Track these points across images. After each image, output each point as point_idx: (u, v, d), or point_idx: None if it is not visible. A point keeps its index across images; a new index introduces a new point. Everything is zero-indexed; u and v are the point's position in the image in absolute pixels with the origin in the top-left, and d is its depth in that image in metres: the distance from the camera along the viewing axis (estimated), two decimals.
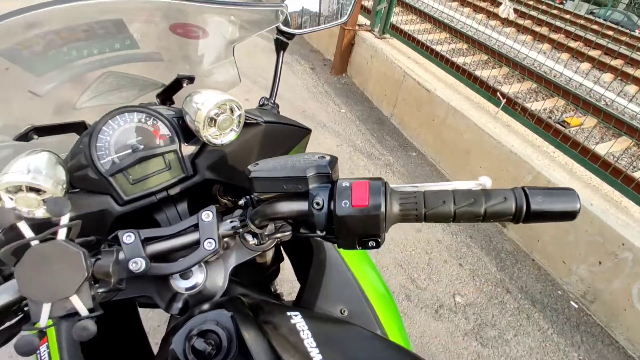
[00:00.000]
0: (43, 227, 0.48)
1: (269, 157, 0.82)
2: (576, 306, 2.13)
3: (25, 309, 0.51)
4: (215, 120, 0.65)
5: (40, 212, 0.61)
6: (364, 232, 0.48)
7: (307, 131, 0.82)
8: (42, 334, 0.43)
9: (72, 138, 0.75)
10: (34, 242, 0.45)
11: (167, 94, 0.76)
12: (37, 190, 0.57)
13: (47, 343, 0.71)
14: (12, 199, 0.57)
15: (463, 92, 2.97)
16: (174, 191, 0.73)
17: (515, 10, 4.65)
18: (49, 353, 0.72)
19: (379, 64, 3.55)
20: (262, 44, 4.14)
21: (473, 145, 2.69)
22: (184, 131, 0.72)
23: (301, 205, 0.50)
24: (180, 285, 0.62)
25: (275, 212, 0.53)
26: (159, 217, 0.75)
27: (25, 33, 0.52)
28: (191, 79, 0.73)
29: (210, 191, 0.91)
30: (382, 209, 0.46)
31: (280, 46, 0.87)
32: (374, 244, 0.48)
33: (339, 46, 3.84)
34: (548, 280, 2.25)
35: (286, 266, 1.00)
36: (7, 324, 0.50)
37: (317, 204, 0.48)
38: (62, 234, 0.47)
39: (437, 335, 1.90)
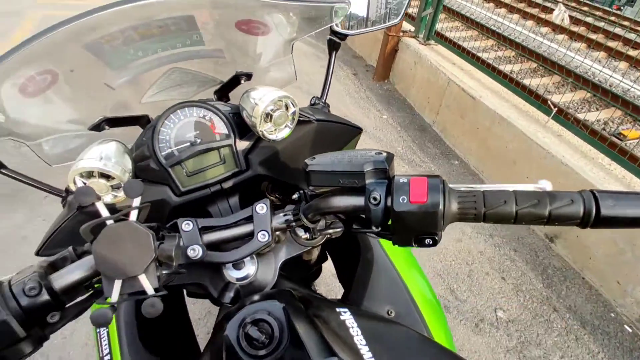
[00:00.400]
0: (111, 212, 0.51)
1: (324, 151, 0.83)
2: (630, 330, 1.98)
3: (96, 285, 0.54)
4: (271, 116, 0.67)
5: (109, 198, 0.65)
6: (421, 229, 0.47)
7: (358, 130, 0.82)
8: (113, 308, 0.46)
9: (136, 130, 0.80)
10: (109, 222, 0.48)
11: (224, 91, 0.79)
12: (107, 177, 0.61)
13: (107, 331, 0.75)
14: (84, 184, 0.62)
15: (510, 100, 2.87)
16: (227, 185, 0.76)
17: (570, 17, 4.44)
18: (107, 332, 0.77)
19: (422, 71, 3.51)
20: (304, 49, 4.20)
21: (520, 155, 2.59)
22: (239, 127, 0.74)
23: (357, 200, 0.51)
24: (232, 275, 0.64)
25: (330, 206, 0.53)
26: (212, 210, 0.78)
27: (108, 28, 0.56)
28: (249, 76, 0.75)
29: (260, 187, 0.93)
30: (441, 206, 0.46)
31: (333, 47, 0.88)
32: (431, 242, 0.48)
33: (382, 52, 3.83)
34: (600, 301, 2.11)
35: (325, 269, 1.00)
36: (79, 298, 0.53)
37: (374, 199, 0.48)
38: (133, 215, 0.49)
39: (477, 350, 1.83)
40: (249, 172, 0.76)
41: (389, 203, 0.48)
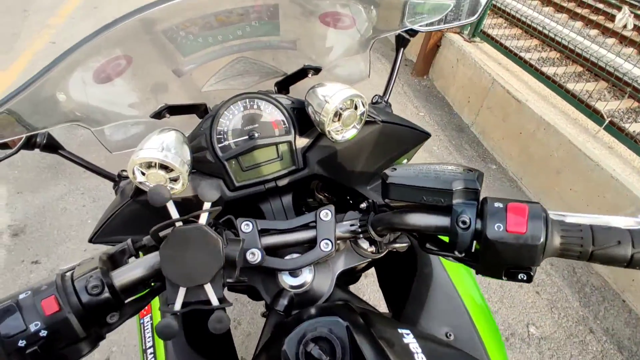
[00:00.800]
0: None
1: (382, 159, 0.78)
2: None
3: (153, 284, 0.53)
4: (340, 115, 0.63)
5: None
6: (515, 262, 0.42)
7: (425, 135, 0.77)
8: (176, 316, 0.44)
9: (192, 120, 0.78)
10: (178, 223, 0.46)
11: (285, 83, 0.76)
12: (166, 168, 0.59)
13: (151, 323, 0.74)
14: (143, 174, 0.60)
15: (558, 106, 2.73)
16: (281, 182, 0.73)
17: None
18: (151, 323, 0.76)
19: (465, 69, 3.38)
20: None
21: (565, 165, 2.46)
22: (300, 123, 0.71)
23: (441, 221, 0.46)
24: (288, 282, 0.61)
25: (409, 223, 0.49)
26: (264, 207, 0.75)
27: (191, 13, 0.54)
28: (317, 70, 0.72)
29: (309, 185, 0.90)
30: (542, 239, 0.41)
31: (401, 43, 0.83)
32: (525, 277, 0.43)
33: (424, 47, 3.71)
34: None
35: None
36: (136, 296, 0.52)
37: (463, 222, 0.44)
38: (203, 218, 0.47)
39: None
40: (305, 171, 0.73)
41: (478, 227, 0.43)
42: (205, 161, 0.70)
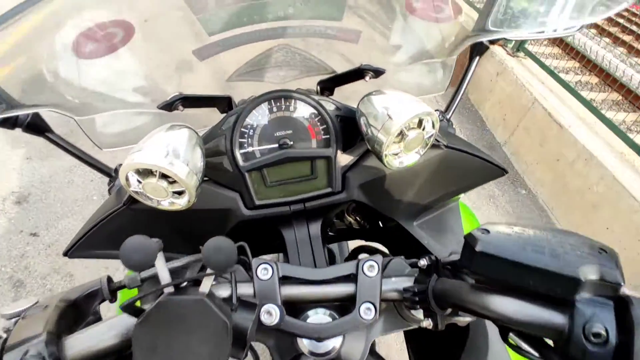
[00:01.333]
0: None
1: (439, 191, 0.64)
2: None
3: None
4: (403, 136, 0.49)
5: (166, 203, 0.49)
6: None
7: (500, 172, 0.62)
8: None
9: (210, 115, 0.64)
10: (167, 289, 0.32)
11: (332, 83, 0.61)
12: (169, 177, 0.46)
13: None
14: (139, 182, 0.46)
15: (605, 137, 2.52)
16: (311, 205, 0.59)
17: None
18: None
19: (504, 84, 3.18)
20: None
21: (604, 201, 2.27)
22: (344, 134, 0.57)
23: (552, 318, 0.31)
24: (310, 347, 0.47)
25: (495, 310, 0.34)
26: (286, 233, 0.61)
27: None
28: (378, 73, 0.57)
29: (342, 209, 0.76)
30: None
31: (477, 51, 0.68)
32: None
33: (463, 55, 3.51)
34: None
35: None
36: None
37: (596, 335, 0.29)
38: (205, 285, 0.33)
39: None
40: (343, 195, 0.59)
41: (623, 342, 0.29)
42: (221, 169, 0.57)
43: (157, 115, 0.56)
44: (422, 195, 0.63)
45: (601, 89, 3.85)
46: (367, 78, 0.57)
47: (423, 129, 0.49)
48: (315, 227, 0.61)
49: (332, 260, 0.90)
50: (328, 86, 0.62)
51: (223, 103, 0.61)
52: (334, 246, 1.04)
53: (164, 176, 0.45)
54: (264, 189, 0.58)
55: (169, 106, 0.53)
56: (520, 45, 3.33)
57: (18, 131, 0.57)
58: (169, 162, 0.43)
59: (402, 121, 0.46)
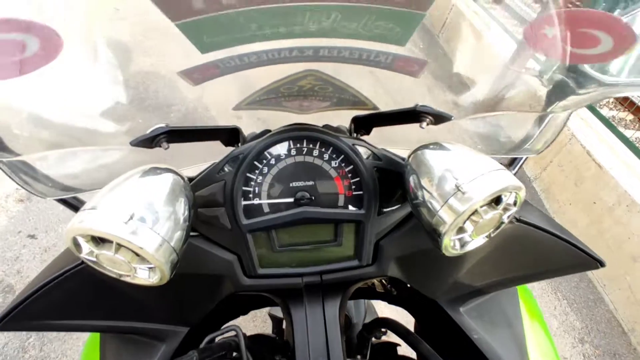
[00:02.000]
0: None
1: (501, 274, 0.49)
2: None
3: None
4: (474, 218, 0.34)
5: (129, 278, 0.36)
6: None
7: (594, 264, 0.47)
8: None
9: (206, 148, 0.51)
10: None
11: (370, 122, 0.48)
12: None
13: None
14: (92, 251, 0.33)
15: None
16: (330, 278, 0.45)
17: None
18: None
19: None
20: None
21: None
22: (381, 190, 0.43)
23: None
24: None
25: None
26: (295, 310, 0.47)
27: None
28: (440, 119, 0.43)
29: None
30: None
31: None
32: None
33: None
34: None
35: None
36: None
37: None
38: None
39: None
40: (372, 269, 0.45)
41: None
42: (216, 224, 0.43)
43: (129, 155, 0.42)
44: (475, 277, 0.48)
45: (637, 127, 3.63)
46: (423, 124, 0.43)
47: (503, 208, 0.35)
48: (333, 307, 0.47)
49: (349, 348, 0.74)
50: (365, 124, 0.48)
51: (226, 135, 0.48)
52: (348, 304, 0.89)
53: (125, 247, 0.32)
54: (270, 254, 0.44)
55: (147, 142, 0.40)
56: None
57: None
58: (130, 230, 0.30)
59: (479, 199, 0.32)
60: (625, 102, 3.36)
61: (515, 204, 0.35)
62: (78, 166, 0.42)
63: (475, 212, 0.34)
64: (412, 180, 0.39)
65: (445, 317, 0.53)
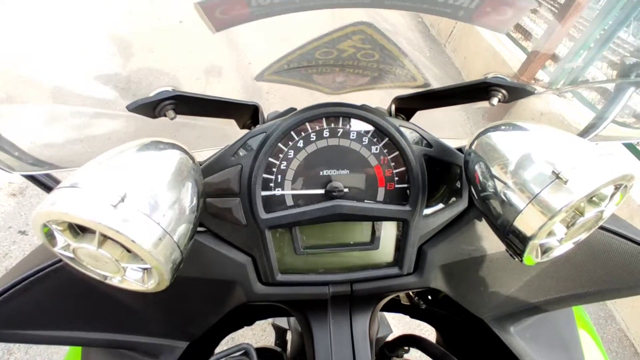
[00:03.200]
0: None
1: (571, 294, 0.40)
2: None
3: None
4: (574, 217, 0.27)
5: (116, 280, 0.28)
6: None
7: None
8: None
9: (222, 128, 0.44)
10: None
11: (413, 103, 0.40)
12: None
13: None
14: (69, 245, 0.25)
15: None
16: (362, 288, 0.37)
17: None
18: None
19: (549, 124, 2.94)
20: None
21: None
22: (430, 185, 0.36)
23: None
24: None
25: None
26: (316, 325, 0.39)
27: None
28: (518, 94, 0.36)
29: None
30: None
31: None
32: None
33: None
34: None
35: None
36: None
37: None
38: None
39: None
40: (412, 279, 0.37)
41: None
42: (228, 219, 0.35)
43: (131, 121, 0.35)
44: (533, 292, 0.40)
45: None
46: (494, 100, 0.36)
47: (607, 202, 0.27)
48: (362, 323, 0.39)
49: None
50: (409, 107, 0.40)
51: (244, 114, 0.40)
52: None
53: (112, 240, 0.24)
54: (292, 257, 0.37)
55: (149, 108, 0.32)
56: (570, 83, 3.09)
57: None
58: (120, 216, 0.22)
59: (588, 191, 0.24)
60: None
61: (624, 191, 0.28)
62: (56, 134, 0.34)
63: (577, 209, 0.26)
64: (478, 169, 0.31)
65: (488, 338, 0.45)
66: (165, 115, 0.34)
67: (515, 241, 0.29)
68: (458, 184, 0.40)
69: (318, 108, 0.35)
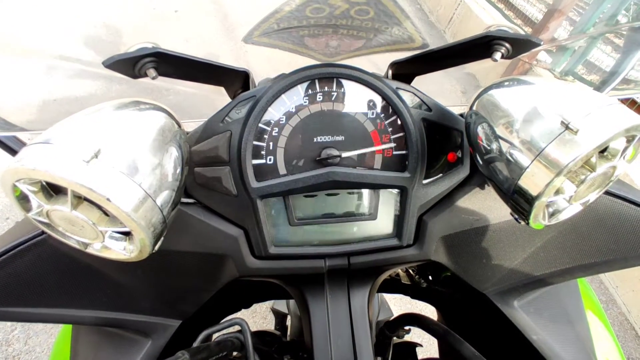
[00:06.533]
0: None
1: (577, 265, 0.39)
2: None
3: None
4: (584, 173, 0.25)
5: (96, 246, 0.27)
6: None
7: None
8: None
9: (210, 96, 0.42)
10: None
11: (411, 68, 0.38)
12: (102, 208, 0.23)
13: None
14: (43, 209, 0.23)
15: None
16: (360, 261, 0.36)
17: None
18: None
19: None
20: None
21: None
22: (429, 151, 0.34)
23: None
24: None
25: None
26: (313, 301, 0.38)
27: None
28: (524, 46, 0.35)
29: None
30: None
31: None
32: None
33: (506, 75, 3.27)
34: None
35: None
36: None
37: None
38: None
39: None
40: (412, 252, 0.36)
41: None
42: (217, 189, 0.34)
43: (113, 86, 0.33)
44: (538, 264, 0.39)
45: None
46: (497, 56, 0.34)
47: (621, 158, 0.26)
48: (361, 298, 0.38)
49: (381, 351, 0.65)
50: (406, 72, 0.38)
51: (234, 81, 0.38)
52: None
53: (88, 202, 0.22)
54: (286, 229, 0.35)
55: (128, 66, 0.30)
56: (569, 70, 3.05)
57: None
58: (93, 172, 0.20)
59: (600, 141, 0.22)
60: None
61: (636, 152, 0.26)
62: (25, 94, 0.33)
63: (588, 163, 0.24)
64: (480, 131, 0.30)
65: (492, 313, 0.44)
66: (146, 75, 0.32)
67: (521, 201, 0.27)
68: (459, 153, 0.38)
69: (310, 69, 0.33)
